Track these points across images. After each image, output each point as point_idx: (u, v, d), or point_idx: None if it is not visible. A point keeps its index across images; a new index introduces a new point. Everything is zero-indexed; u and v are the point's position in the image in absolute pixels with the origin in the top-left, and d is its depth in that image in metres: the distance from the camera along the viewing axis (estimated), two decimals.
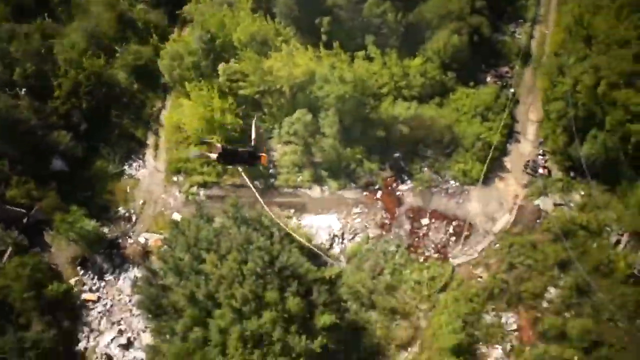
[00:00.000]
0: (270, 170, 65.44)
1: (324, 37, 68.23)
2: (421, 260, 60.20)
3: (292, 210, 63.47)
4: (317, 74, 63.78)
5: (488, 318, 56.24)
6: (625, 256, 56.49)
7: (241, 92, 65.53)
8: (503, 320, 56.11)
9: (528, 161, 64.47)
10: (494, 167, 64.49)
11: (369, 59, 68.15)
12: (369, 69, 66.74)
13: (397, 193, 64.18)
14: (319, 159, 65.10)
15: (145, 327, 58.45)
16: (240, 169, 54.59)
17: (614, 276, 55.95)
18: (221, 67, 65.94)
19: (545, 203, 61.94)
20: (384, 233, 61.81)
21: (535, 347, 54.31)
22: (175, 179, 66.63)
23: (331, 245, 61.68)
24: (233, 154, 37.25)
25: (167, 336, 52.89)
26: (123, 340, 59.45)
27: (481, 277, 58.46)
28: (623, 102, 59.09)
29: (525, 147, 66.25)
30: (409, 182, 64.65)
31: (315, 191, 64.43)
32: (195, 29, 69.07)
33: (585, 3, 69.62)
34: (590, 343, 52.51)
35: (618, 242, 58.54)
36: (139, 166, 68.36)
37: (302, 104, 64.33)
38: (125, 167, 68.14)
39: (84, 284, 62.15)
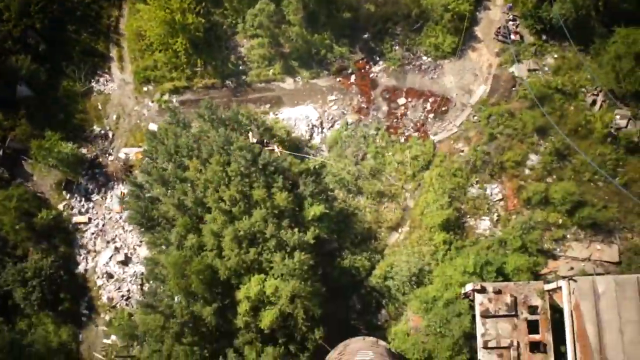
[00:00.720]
0: (240, 67, 64.81)
1: None
2: (402, 140, 61.30)
3: (268, 105, 63.58)
4: None
5: (473, 191, 58.20)
6: (602, 116, 57.80)
7: None
8: (488, 191, 58.13)
9: (499, 28, 63.89)
10: (465, 38, 64.11)
11: None
12: None
13: (371, 75, 64.18)
14: (287, 49, 64.38)
15: (140, 241, 60.34)
16: None
17: (592, 137, 57.63)
18: None
19: (519, 69, 62.15)
20: (362, 117, 62.46)
21: (520, 215, 56.70)
22: (145, 89, 66.06)
23: (311, 135, 62.49)
24: None
25: (163, 247, 54.49)
26: (121, 256, 61.43)
27: (463, 151, 59.84)
28: None
29: (495, 14, 65.43)
30: (381, 62, 64.45)
31: (289, 83, 64.25)
32: None
33: None
34: (573, 205, 54.73)
35: (594, 102, 59.72)
36: (107, 80, 67.28)
37: None
38: (93, 84, 67.06)
39: (72, 208, 63.23)
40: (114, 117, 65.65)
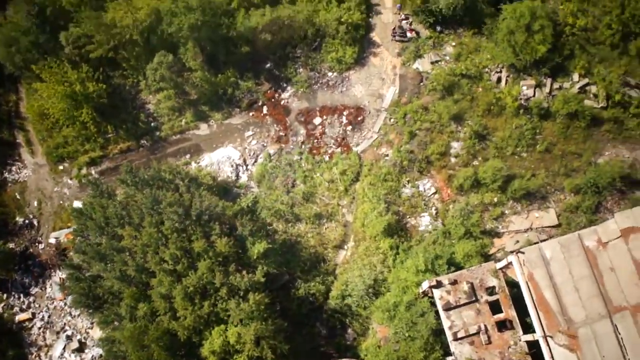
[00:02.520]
0: (152, 123, 65.05)
1: None
2: (327, 158, 62.52)
3: (188, 156, 63.90)
4: (162, 11, 62.26)
5: (406, 191, 59.79)
6: (509, 90, 60.45)
7: (92, 55, 63.46)
8: (421, 188, 59.83)
9: (394, 29, 66.15)
10: (364, 46, 66.17)
11: None
12: None
13: (282, 102, 65.24)
14: (194, 95, 64.95)
15: (91, 323, 59.47)
16: None
17: (505, 112, 60.28)
18: (62, 36, 63.33)
19: (422, 64, 64.50)
20: (283, 146, 63.42)
21: (457, 203, 58.56)
22: (61, 167, 65.49)
23: (237, 175, 63.02)
24: None
25: (116, 323, 53.77)
26: (74, 344, 60.25)
27: (387, 155, 61.35)
28: None
29: (387, 17, 67.71)
30: (289, 88, 65.65)
31: (203, 129, 64.73)
32: (19, 6, 65.27)
33: None
34: (503, 181, 56.97)
35: (499, 79, 62.47)
36: (19, 168, 66.51)
37: (159, 46, 63.08)
38: (5, 174, 66.23)
39: (12, 307, 61.75)
40: (35, 203, 64.77)
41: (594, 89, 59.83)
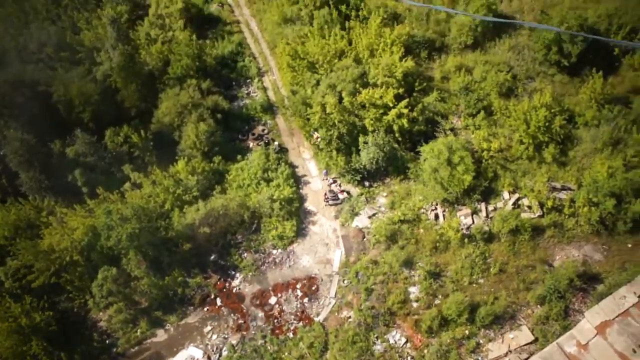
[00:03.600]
0: (107, 341, 63.09)
1: (84, 190, 68.28)
2: (291, 335, 61.29)
3: None
4: (97, 227, 63.15)
5: (378, 347, 58.55)
6: (449, 224, 62.19)
7: (34, 284, 62.50)
8: (391, 341, 58.70)
9: (325, 194, 68.65)
10: (301, 217, 68.07)
11: (137, 186, 69.31)
12: (142, 195, 67.82)
13: (234, 290, 64.72)
14: (145, 303, 63.98)
15: None
16: None
17: (451, 245, 61.62)
18: (0, 271, 62.77)
19: (361, 221, 66.34)
20: (244, 333, 62.01)
21: (430, 346, 57.51)
22: None
23: None
24: None
25: None
26: None
27: (350, 317, 60.66)
28: (370, 101, 66.69)
29: (316, 185, 70.59)
30: (238, 275, 65.56)
31: (160, 334, 62.86)
32: None
33: (291, 38, 77.60)
34: (469, 312, 56.84)
35: (436, 216, 64.42)
36: None
37: (101, 262, 62.90)
38: None
39: None
40: None
41: (526, 201, 62.25)
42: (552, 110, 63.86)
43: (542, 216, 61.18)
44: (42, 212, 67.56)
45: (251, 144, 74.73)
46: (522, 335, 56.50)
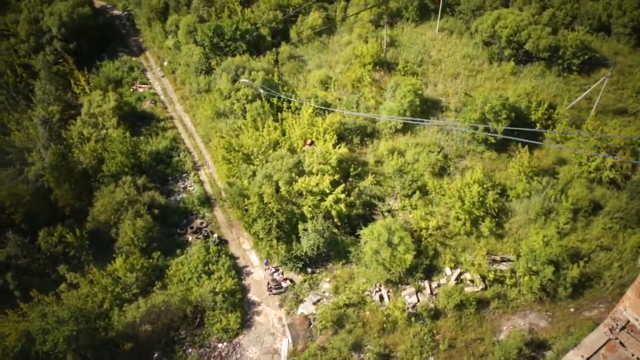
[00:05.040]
0: None
1: (17, 293, 65.99)
2: None
3: None
4: (32, 331, 60.51)
5: None
6: (394, 304, 62.38)
7: None
8: None
9: (268, 283, 68.07)
10: (245, 308, 67.05)
11: (74, 286, 67.31)
12: (79, 295, 65.67)
13: None
14: None
15: None
16: None
17: (399, 325, 61.53)
18: None
19: (306, 308, 65.75)
20: None
21: None
22: None
23: None
24: None
25: None
26: None
27: None
28: (307, 189, 67.97)
29: (258, 274, 70.02)
30: None
31: None
32: None
33: (225, 131, 79.02)
34: None
35: (381, 297, 64.63)
36: None
37: None
38: None
39: None
40: None
41: (468, 275, 63.43)
42: (485, 186, 66.38)
43: (485, 289, 62.29)
44: None
45: (190, 238, 74.20)
46: None
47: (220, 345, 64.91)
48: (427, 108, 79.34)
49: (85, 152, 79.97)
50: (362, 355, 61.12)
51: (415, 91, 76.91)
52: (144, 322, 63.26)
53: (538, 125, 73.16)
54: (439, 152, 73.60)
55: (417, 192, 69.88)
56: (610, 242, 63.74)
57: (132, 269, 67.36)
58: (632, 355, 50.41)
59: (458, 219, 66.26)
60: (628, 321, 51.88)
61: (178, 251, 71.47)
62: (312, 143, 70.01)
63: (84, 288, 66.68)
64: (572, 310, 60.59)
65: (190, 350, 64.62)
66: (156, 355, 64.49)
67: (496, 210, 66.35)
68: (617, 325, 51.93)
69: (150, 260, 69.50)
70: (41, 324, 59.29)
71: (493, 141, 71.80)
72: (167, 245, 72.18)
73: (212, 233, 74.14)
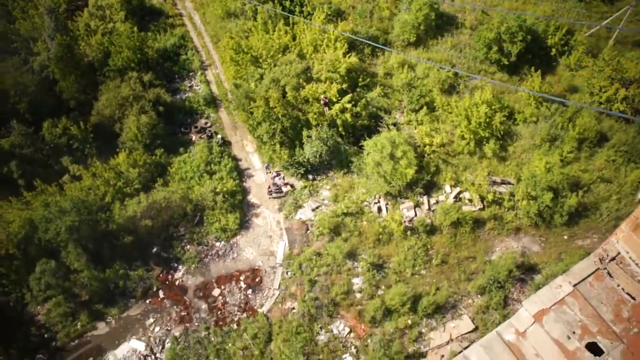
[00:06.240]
0: (45, 335, 62.08)
1: (21, 182, 67.37)
2: (235, 327, 61.70)
3: (91, 359, 61.11)
4: (35, 219, 62.07)
5: (322, 338, 59.51)
6: (392, 216, 63.63)
7: None
8: (335, 331, 59.77)
9: (269, 187, 69.29)
10: (244, 210, 68.55)
11: (77, 178, 68.59)
12: (82, 187, 67.11)
13: (177, 282, 64.71)
14: (85, 296, 63.20)
15: None
16: None
17: (394, 237, 63.06)
18: None
19: (304, 213, 67.16)
20: (187, 325, 62.10)
21: (374, 335, 58.86)
22: None
23: None
24: None
25: None
26: None
27: (294, 308, 61.46)
28: (314, 96, 67.83)
29: (259, 178, 71.09)
30: (180, 267, 65.55)
31: (101, 327, 62.23)
32: None
33: (235, 32, 78.08)
34: (411, 302, 58.35)
35: (380, 209, 65.77)
36: None
37: (39, 255, 61.79)
38: None
39: None
40: None
41: (467, 195, 64.24)
42: (493, 107, 66.18)
43: (482, 209, 63.27)
44: None
45: (194, 137, 74.73)
46: (463, 324, 58.35)
47: (218, 244, 66.61)
48: (442, 23, 78.06)
49: (92, 44, 79.35)
50: (355, 264, 62.80)
51: (432, 5, 75.68)
52: (144, 217, 64.70)
53: (554, 50, 72.32)
54: (450, 68, 72.99)
55: (425, 108, 69.80)
56: (611, 175, 64.10)
57: (135, 165, 68.32)
58: (618, 286, 51.97)
59: (463, 138, 66.57)
60: (618, 253, 53.20)
61: (181, 149, 72.28)
62: (326, 103, 69.32)
63: (86, 180, 67.84)
64: (565, 237, 61.78)
65: (188, 247, 66.39)
66: (155, 249, 66.32)
67: (502, 132, 66.42)
68: (608, 255, 53.28)
69: (153, 157, 70.47)
70: (44, 213, 60.73)
71: (505, 63, 71.11)
72: (170, 143, 72.90)
73: (216, 134, 74.62)
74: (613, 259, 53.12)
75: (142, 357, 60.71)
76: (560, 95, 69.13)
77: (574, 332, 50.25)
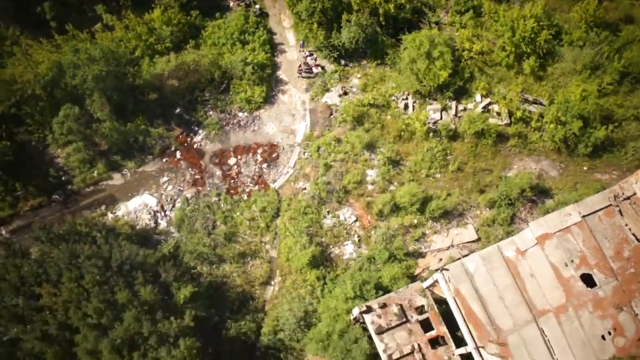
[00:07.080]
0: (63, 177, 64.43)
1: (52, 24, 66.93)
2: (245, 197, 63.50)
3: (103, 207, 63.14)
4: (63, 64, 62.49)
5: (328, 222, 61.40)
6: (417, 116, 63.50)
7: None
8: (341, 217, 61.54)
9: (300, 66, 68.78)
10: (272, 85, 68.46)
11: (109, 28, 68.16)
12: (113, 38, 66.94)
13: (195, 146, 66.05)
14: (105, 146, 64.78)
15: None
16: None
17: (415, 137, 63.26)
18: None
19: (331, 98, 67.11)
20: (199, 189, 64.00)
21: (378, 228, 60.56)
22: None
23: (156, 222, 62.83)
24: None
25: None
26: None
27: (305, 188, 62.97)
28: None
29: (292, 55, 70.43)
30: (200, 131, 66.58)
31: (117, 178, 64.40)
32: None
33: None
34: (421, 203, 59.46)
35: (406, 106, 65.59)
36: None
37: (64, 99, 62.81)
38: None
39: None
40: None
41: (496, 107, 63.76)
42: (541, 23, 64.01)
43: (508, 125, 62.89)
44: (6, 41, 66.51)
45: (231, 3, 73.31)
46: (466, 233, 59.85)
47: (240, 114, 67.21)
48: None
49: None
50: (373, 156, 63.60)
51: None
52: (171, 76, 64.91)
53: None
54: None
55: (471, 11, 67.78)
56: None
57: (169, 23, 67.71)
58: (626, 225, 52.51)
59: (504, 49, 65.01)
60: (634, 193, 53.37)
61: (217, 14, 71.10)
62: None
63: (118, 32, 67.62)
64: (585, 168, 61.94)
65: (211, 112, 67.09)
66: (178, 110, 67.06)
67: (544, 50, 64.74)
68: (623, 194, 53.42)
69: (188, 17, 69.71)
70: (73, 59, 61.08)
71: None
72: (207, 6, 71.64)
73: (255, 3, 72.98)
74: (628, 198, 53.35)
75: (152, 212, 62.98)
76: (613, 24, 66.75)
77: (572, 261, 51.27)
